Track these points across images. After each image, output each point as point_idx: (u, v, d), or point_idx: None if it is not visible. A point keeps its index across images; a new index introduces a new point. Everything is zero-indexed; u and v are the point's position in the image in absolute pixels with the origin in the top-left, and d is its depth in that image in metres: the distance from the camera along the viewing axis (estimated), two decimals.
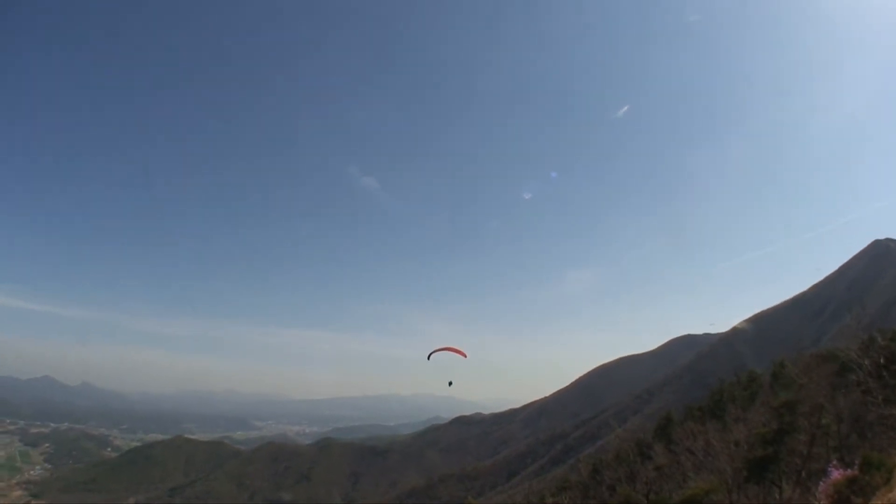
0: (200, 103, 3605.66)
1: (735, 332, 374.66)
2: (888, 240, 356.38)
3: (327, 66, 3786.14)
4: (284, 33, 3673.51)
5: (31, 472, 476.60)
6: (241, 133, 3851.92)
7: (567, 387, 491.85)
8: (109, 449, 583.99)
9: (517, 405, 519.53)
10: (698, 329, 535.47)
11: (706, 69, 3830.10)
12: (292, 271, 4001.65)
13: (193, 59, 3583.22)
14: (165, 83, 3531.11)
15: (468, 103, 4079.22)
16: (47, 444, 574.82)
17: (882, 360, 51.88)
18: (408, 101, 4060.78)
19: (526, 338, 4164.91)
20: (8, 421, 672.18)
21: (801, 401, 48.20)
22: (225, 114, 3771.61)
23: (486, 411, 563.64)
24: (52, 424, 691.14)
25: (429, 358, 66.74)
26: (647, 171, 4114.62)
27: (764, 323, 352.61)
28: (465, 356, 68.78)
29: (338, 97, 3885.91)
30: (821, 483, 31.65)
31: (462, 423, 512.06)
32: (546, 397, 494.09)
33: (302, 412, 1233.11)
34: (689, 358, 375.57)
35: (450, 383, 73.17)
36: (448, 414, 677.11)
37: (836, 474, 30.33)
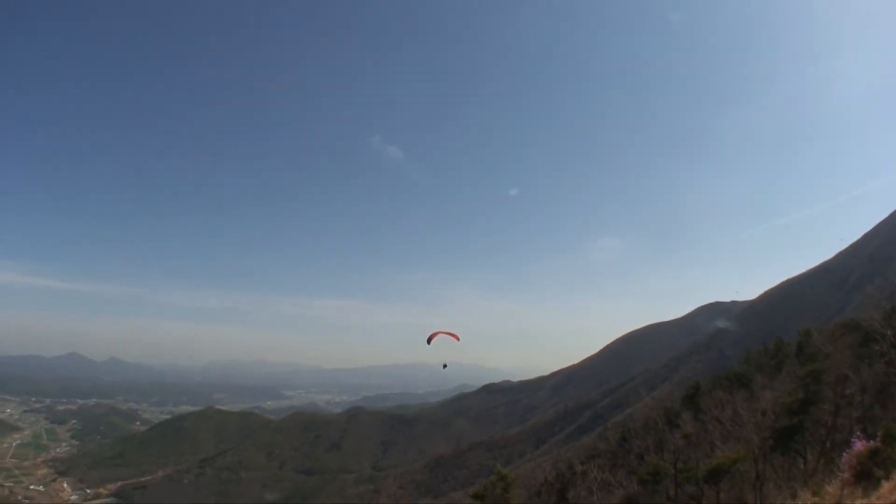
0: (227, 78, 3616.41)
1: (761, 300, 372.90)
2: None
3: (348, 39, 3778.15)
4: (309, 8, 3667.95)
5: (58, 450, 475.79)
6: (269, 106, 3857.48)
7: (595, 354, 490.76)
8: (138, 423, 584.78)
9: (545, 373, 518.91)
10: (725, 297, 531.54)
11: (732, 39, 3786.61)
12: (321, 242, 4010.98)
13: (221, 34, 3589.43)
14: (193, 61, 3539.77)
15: (490, 73, 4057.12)
16: (74, 421, 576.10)
17: None
18: (429, 71, 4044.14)
19: (554, 305, 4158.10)
20: (34, 399, 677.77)
21: (826, 371, 48.54)
22: (252, 88, 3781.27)
23: (515, 379, 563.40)
24: (78, 401, 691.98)
25: (429, 342, 67.67)
26: (674, 138, 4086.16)
27: (790, 291, 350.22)
28: (458, 339, 70.17)
29: (360, 70, 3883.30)
30: (844, 454, 32.08)
31: (490, 391, 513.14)
32: (574, 365, 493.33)
33: (332, 381, 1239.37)
34: (717, 326, 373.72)
35: (444, 366, 73.72)
36: (476, 382, 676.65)
37: (859, 445, 30.70)
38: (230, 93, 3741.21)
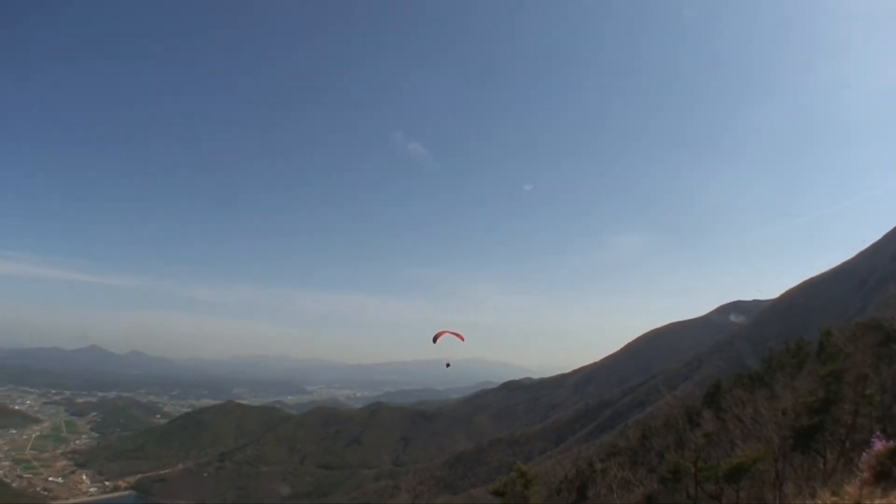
0: (251, 75, 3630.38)
1: (782, 299, 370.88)
2: None
3: (369, 35, 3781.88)
4: (336, 7, 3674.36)
5: (77, 442, 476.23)
6: (292, 103, 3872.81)
7: (616, 352, 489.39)
8: (159, 416, 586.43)
9: (566, 370, 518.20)
10: (747, 295, 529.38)
11: (754, 36, 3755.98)
12: (343, 238, 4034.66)
13: (247, 32, 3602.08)
14: (217, 59, 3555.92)
15: (510, 69, 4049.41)
16: (94, 414, 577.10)
17: None
18: (451, 67, 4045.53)
19: (575, 303, 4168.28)
20: (53, 391, 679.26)
21: (847, 370, 48.50)
22: (274, 85, 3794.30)
23: (536, 376, 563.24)
24: (99, 393, 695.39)
25: (435, 341, 68.40)
26: (696, 135, 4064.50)
27: (811, 290, 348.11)
28: (463, 339, 71.28)
29: (382, 66, 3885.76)
30: (863, 454, 32.07)
31: (511, 388, 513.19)
32: (595, 363, 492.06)
33: (353, 377, 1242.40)
34: (739, 325, 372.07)
35: (447, 364, 74.36)
36: (497, 379, 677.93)
37: (879, 445, 30.68)
38: (253, 90, 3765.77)
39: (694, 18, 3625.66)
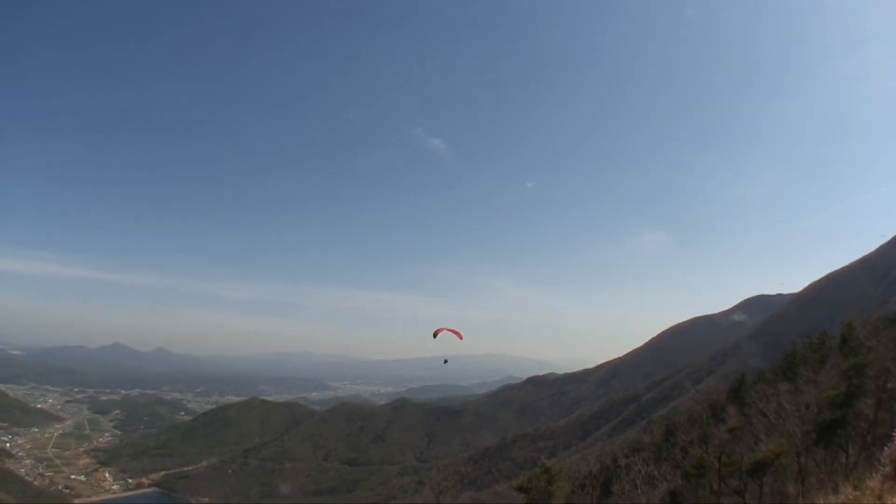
0: (271, 77, 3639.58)
1: (805, 293, 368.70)
2: None
3: (393, 31, 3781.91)
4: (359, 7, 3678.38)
5: (100, 440, 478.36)
6: (312, 103, 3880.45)
7: (640, 347, 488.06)
8: (183, 413, 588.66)
9: (590, 365, 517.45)
10: (771, 289, 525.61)
11: (774, 30, 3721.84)
12: (366, 235, 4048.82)
13: (268, 34, 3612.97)
14: (240, 61, 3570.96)
15: (531, 67, 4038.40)
16: (117, 411, 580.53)
17: None
18: (473, 63, 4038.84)
19: (599, 298, 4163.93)
20: (76, 389, 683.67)
21: (869, 364, 48.41)
22: (295, 86, 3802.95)
23: (560, 371, 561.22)
24: (122, 391, 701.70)
25: (434, 336, 69.02)
26: (717, 131, 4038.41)
27: (833, 284, 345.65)
28: (461, 338, 71.96)
29: (405, 62, 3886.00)
30: (885, 448, 32.04)
31: (535, 383, 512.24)
32: (619, 358, 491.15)
33: (376, 373, 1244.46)
34: (762, 319, 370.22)
35: (445, 361, 74.95)
36: (521, 374, 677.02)
37: None
38: (272, 88, 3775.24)
39: (698, 18, 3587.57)
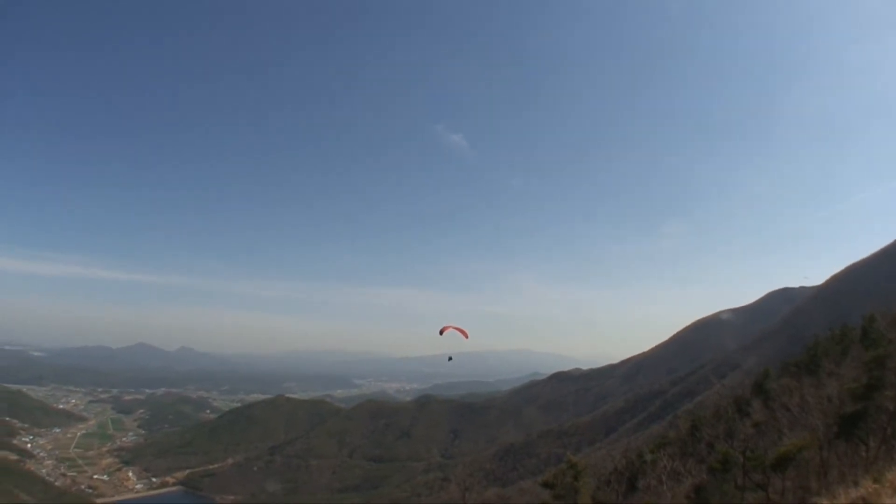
0: (295, 76, 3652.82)
1: (827, 285, 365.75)
2: None
3: (412, 28, 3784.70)
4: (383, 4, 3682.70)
5: (124, 439, 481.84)
6: (335, 99, 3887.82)
7: (665, 342, 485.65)
8: (208, 411, 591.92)
9: (615, 361, 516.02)
10: (794, 282, 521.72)
11: (794, 19, 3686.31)
12: (390, 232, 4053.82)
13: (296, 34, 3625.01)
14: (269, 62, 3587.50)
15: (555, 62, 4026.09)
16: (142, 410, 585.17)
17: None
18: (495, 59, 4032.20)
19: (623, 293, 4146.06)
20: (100, 390, 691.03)
21: (890, 356, 48.47)
22: (319, 83, 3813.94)
23: (584, 367, 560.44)
24: (147, 390, 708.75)
25: (441, 333, 69.87)
26: (739, 115, 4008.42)
27: (855, 275, 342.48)
28: (467, 337, 72.71)
29: (424, 58, 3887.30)
30: None
31: (560, 379, 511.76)
32: (644, 353, 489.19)
33: (401, 370, 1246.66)
34: (786, 312, 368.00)
35: (449, 358, 76.41)
36: (546, 370, 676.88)
37: None
38: (298, 90, 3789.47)
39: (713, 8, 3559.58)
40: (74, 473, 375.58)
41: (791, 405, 55.27)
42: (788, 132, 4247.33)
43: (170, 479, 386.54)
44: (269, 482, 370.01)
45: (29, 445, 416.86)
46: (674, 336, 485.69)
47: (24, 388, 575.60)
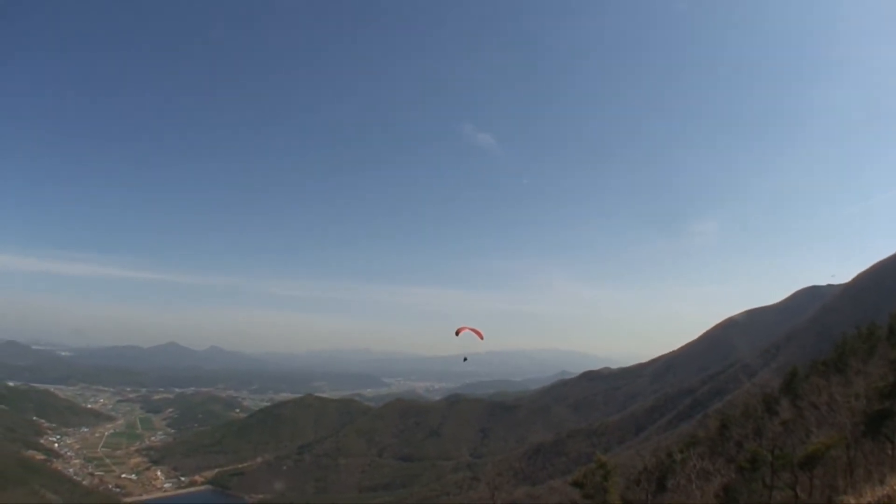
0: (321, 76, 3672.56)
1: (854, 283, 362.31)
2: None
3: (439, 26, 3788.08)
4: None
5: (153, 438, 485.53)
6: (363, 98, 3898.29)
7: (694, 341, 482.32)
8: (238, 410, 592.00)
9: (645, 360, 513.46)
10: (822, 280, 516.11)
11: (824, 12, 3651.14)
12: (417, 231, 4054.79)
13: (315, 34, 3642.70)
14: (301, 61, 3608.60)
15: (581, 58, 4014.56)
16: (171, 410, 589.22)
17: None
18: (521, 57, 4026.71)
19: (652, 291, 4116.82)
20: (129, 389, 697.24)
21: None
22: (345, 83, 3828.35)
23: (614, 366, 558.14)
24: (176, 390, 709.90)
25: (457, 334, 70.63)
26: (768, 113, 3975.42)
27: (882, 273, 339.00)
28: (482, 338, 73.58)
29: (450, 57, 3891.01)
30: None
31: (590, 378, 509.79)
32: (673, 351, 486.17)
33: (430, 369, 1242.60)
34: (814, 310, 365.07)
35: (465, 359, 76.82)
36: (576, 369, 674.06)
37: None
38: (327, 91, 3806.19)
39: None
40: (102, 472, 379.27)
41: (819, 403, 55.48)
42: (817, 129, 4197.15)
43: (199, 478, 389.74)
44: (297, 481, 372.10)
45: (56, 445, 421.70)
46: (703, 335, 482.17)
47: (53, 388, 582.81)
